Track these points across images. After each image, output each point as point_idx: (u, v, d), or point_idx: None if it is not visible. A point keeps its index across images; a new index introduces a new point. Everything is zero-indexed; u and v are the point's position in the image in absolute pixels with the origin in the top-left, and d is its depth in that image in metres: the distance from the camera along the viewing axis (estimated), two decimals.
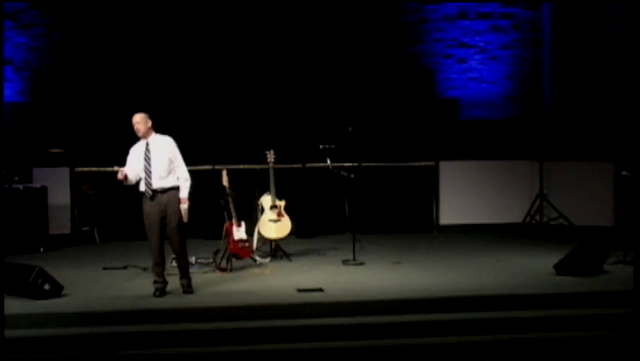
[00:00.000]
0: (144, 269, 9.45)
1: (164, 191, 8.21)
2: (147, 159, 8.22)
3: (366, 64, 12.52)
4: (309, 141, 11.51)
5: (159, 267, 8.26)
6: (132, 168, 8.24)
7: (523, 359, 7.26)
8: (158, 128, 12.12)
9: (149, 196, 8.21)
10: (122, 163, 11.86)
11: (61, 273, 8.57)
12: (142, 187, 8.25)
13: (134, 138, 11.92)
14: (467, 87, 12.80)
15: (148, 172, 8.19)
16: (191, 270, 9.27)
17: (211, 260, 9.58)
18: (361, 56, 12.49)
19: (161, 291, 8.19)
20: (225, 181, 9.74)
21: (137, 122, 8.25)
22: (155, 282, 8.24)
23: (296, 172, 12.16)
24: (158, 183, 8.20)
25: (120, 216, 12.03)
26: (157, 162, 8.21)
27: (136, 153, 8.31)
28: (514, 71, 12.88)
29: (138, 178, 8.25)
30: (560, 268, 8.96)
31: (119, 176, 8.18)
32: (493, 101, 12.84)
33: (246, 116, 12.30)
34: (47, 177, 11.42)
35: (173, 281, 8.86)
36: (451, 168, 12.60)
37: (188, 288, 8.32)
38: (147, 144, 8.27)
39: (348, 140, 10.48)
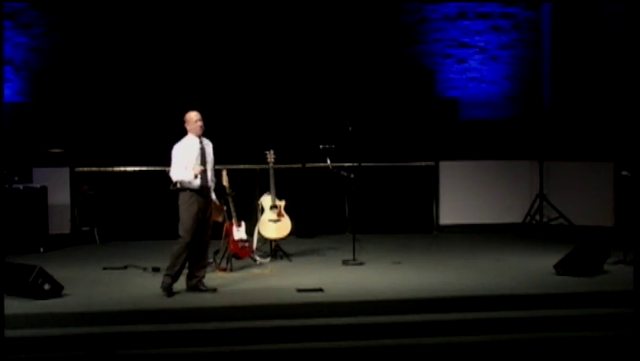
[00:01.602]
0: (144, 269, 9.45)
1: (210, 189, 8.39)
2: (204, 155, 8.31)
3: (366, 64, 12.52)
4: (309, 141, 11.51)
5: (184, 268, 8.27)
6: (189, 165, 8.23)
7: (523, 359, 7.26)
8: (159, 127, 12.19)
9: (204, 193, 8.23)
10: (123, 163, 12.05)
11: (61, 273, 8.57)
12: (197, 183, 8.18)
13: (135, 139, 12.04)
14: (467, 87, 12.80)
15: (205, 169, 8.28)
16: None
17: (211, 260, 9.56)
18: (361, 56, 12.49)
19: (171, 292, 8.17)
20: (225, 181, 9.73)
21: (201, 119, 8.37)
22: (172, 282, 8.18)
23: (296, 172, 12.16)
24: (210, 182, 8.35)
25: (120, 216, 12.05)
26: (209, 160, 8.38)
27: (191, 149, 8.26)
28: (514, 71, 12.88)
29: None
30: (560, 268, 8.96)
31: (197, 171, 8.15)
32: (493, 101, 12.84)
33: (245, 116, 12.30)
34: (47, 177, 11.42)
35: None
36: (451, 168, 12.60)
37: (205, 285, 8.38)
38: (201, 142, 8.35)
39: (348, 140, 10.47)
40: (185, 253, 8.15)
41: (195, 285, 8.33)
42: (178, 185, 8.21)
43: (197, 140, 8.34)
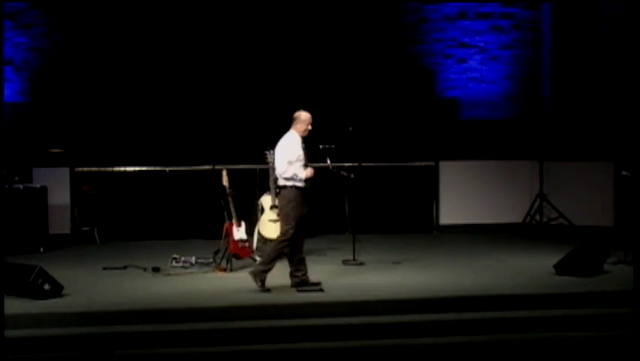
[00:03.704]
0: (144, 269, 9.44)
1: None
2: (306, 156, 8.46)
3: (367, 64, 12.51)
4: (309, 141, 11.47)
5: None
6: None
7: (523, 359, 7.26)
8: (159, 127, 12.20)
9: (304, 190, 8.37)
10: (123, 163, 12.05)
11: (61, 273, 8.56)
12: (301, 180, 8.32)
13: (135, 139, 12.04)
14: (467, 87, 12.80)
15: (305, 168, 8.42)
16: (191, 270, 9.30)
17: (211, 260, 9.57)
18: (361, 56, 12.49)
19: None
20: (225, 181, 9.73)
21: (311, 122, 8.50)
22: (264, 274, 8.29)
23: None
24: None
25: (120, 216, 12.05)
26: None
27: (297, 147, 8.40)
28: (514, 71, 12.88)
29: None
30: (559, 268, 8.96)
31: (310, 174, 8.36)
32: (493, 101, 12.84)
33: (245, 116, 12.30)
34: (47, 177, 11.42)
35: (173, 281, 8.88)
36: (451, 168, 12.60)
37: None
38: (303, 142, 8.48)
39: (348, 140, 10.47)
40: (288, 247, 8.32)
41: (303, 280, 8.38)
42: (281, 181, 8.30)
43: (300, 139, 8.46)
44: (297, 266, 8.44)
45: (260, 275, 8.28)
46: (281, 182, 8.35)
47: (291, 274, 8.44)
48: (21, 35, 12.12)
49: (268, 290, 8.27)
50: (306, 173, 8.37)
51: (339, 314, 7.68)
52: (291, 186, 8.31)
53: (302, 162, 8.40)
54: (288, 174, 8.27)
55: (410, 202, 12.58)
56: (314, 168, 8.56)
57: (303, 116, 8.51)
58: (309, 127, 8.50)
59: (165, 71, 12.21)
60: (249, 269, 8.52)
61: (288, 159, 8.29)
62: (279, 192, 8.38)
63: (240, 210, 9.74)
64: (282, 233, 8.36)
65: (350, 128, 10.30)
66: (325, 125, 11.76)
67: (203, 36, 12.26)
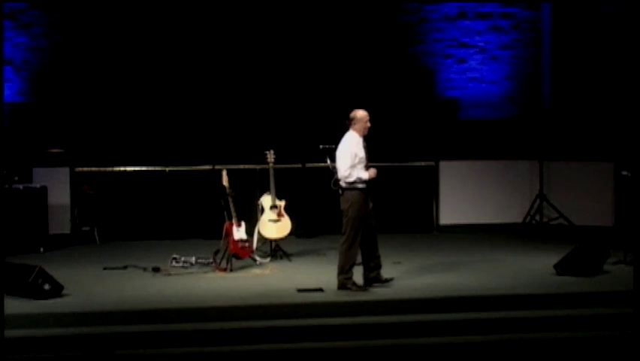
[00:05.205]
0: (144, 269, 9.44)
1: None
2: (367, 154, 8.35)
3: (366, 64, 12.51)
4: (309, 141, 11.48)
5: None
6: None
7: (523, 359, 7.26)
8: (158, 127, 12.20)
9: (367, 190, 8.30)
10: (123, 163, 12.06)
11: (61, 273, 8.57)
12: (364, 182, 8.29)
13: (135, 139, 12.04)
14: (467, 87, 12.80)
15: (366, 168, 8.34)
16: (191, 270, 9.30)
17: (211, 260, 9.57)
18: (361, 56, 12.48)
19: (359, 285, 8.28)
20: (225, 181, 9.74)
21: (369, 119, 8.40)
22: (351, 279, 8.24)
23: (296, 172, 12.15)
24: None
25: (120, 216, 12.05)
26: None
27: (359, 148, 8.32)
28: (514, 71, 12.88)
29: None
30: (560, 268, 8.96)
31: (373, 174, 8.28)
32: (493, 101, 12.84)
33: (245, 116, 12.30)
34: (47, 177, 11.42)
35: (173, 281, 8.87)
36: (451, 168, 12.60)
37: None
38: (364, 141, 8.39)
39: None
40: (357, 249, 8.26)
41: (376, 277, 8.36)
42: (343, 183, 8.25)
43: (361, 139, 8.38)
44: (372, 264, 8.39)
45: (348, 282, 8.22)
46: (343, 183, 8.28)
47: (365, 270, 8.38)
48: (21, 35, 12.12)
49: (365, 289, 8.23)
50: (369, 174, 8.28)
51: (339, 314, 7.68)
52: (354, 189, 8.25)
53: (363, 163, 8.30)
54: (352, 179, 8.21)
55: (410, 202, 12.57)
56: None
57: (359, 114, 8.41)
58: (368, 124, 8.39)
59: (165, 71, 12.21)
60: (337, 283, 8.29)
61: (351, 164, 8.19)
62: (342, 193, 8.30)
63: (239, 210, 9.74)
64: (349, 239, 8.24)
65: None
66: (325, 125, 11.85)
67: (203, 36, 12.26)
